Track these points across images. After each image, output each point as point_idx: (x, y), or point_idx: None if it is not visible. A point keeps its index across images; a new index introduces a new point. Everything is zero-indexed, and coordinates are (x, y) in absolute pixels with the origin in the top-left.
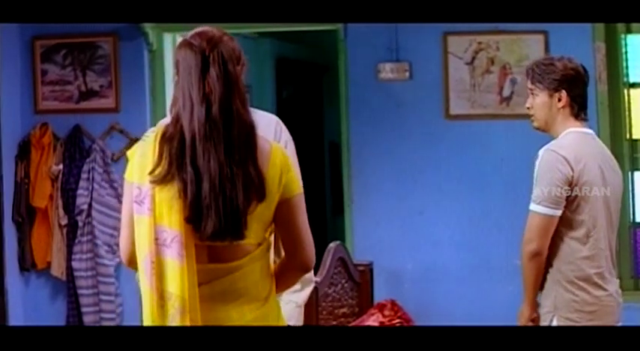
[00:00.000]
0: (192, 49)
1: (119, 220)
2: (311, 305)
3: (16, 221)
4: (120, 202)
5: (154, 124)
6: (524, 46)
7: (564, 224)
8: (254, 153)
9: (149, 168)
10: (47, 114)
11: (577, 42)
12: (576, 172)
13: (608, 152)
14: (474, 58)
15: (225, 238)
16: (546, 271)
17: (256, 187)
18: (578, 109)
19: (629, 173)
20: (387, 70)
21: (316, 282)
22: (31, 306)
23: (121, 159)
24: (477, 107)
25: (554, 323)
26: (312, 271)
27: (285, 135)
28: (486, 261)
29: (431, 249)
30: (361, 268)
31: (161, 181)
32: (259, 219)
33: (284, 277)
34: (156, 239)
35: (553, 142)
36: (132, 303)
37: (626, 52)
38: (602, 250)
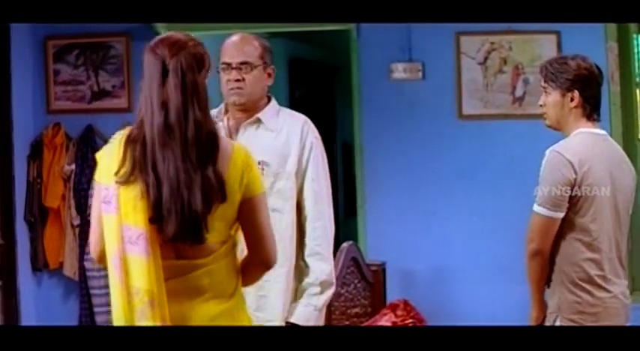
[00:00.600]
0: (154, 56)
1: None
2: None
3: (28, 221)
4: None
5: None
6: (536, 46)
7: (567, 225)
8: (214, 156)
9: (115, 169)
10: (59, 114)
11: (589, 42)
12: (579, 175)
13: (621, 153)
14: (486, 58)
15: (186, 241)
16: (551, 272)
17: (216, 190)
18: (591, 110)
19: None
20: (400, 70)
21: None
22: (43, 306)
23: None
24: (489, 107)
25: (557, 324)
26: (333, 275)
27: (312, 135)
28: (498, 261)
29: (444, 249)
30: (374, 268)
31: (125, 181)
32: (222, 218)
33: (248, 273)
34: (123, 237)
35: (560, 142)
36: None
37: (638, 52)
38: (607, 253)
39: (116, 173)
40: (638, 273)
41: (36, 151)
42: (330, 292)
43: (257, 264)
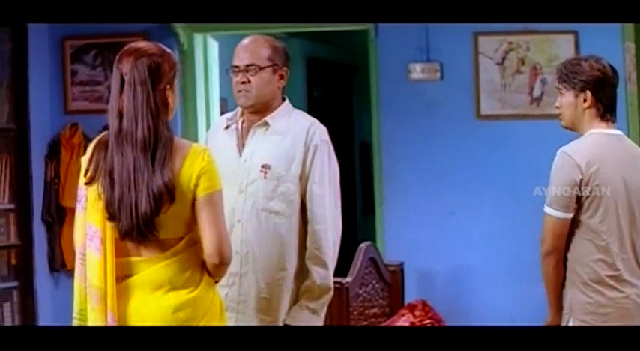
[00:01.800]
0: (116, 68)
1: None
2: (342, 306)
3: (45, 221)
4: None
5: (184, 124)
6: (554, 46)
7: (577, 226)
8: (164, 160)
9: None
10: (77, 114)
11: (607, 42)
12: (586, 176)
13: (637, 153)
14: (504, 59)
15: (137, 238)
16: (564, 272)
17: (163, 191)
18: (604, 110)
19: None
20: (418, 71)
21: (347, 282)
22: (60, 306)
23: None
24: (507, 107)
25: (570, 325)
26: (331, 279)
27: (318, 138)
28: (517, 261)
29: (462, 249)
30: (392, 268)
31: (90, 183)
32: (175, 217)
33: (207, 267)
34: (86, 234)
35: (570, 143)
36: None
37: None
38: (619, 253)
39: (84, 175)
40: None
41: (54, 152)
42: (327, 296)
43: (207, 259)
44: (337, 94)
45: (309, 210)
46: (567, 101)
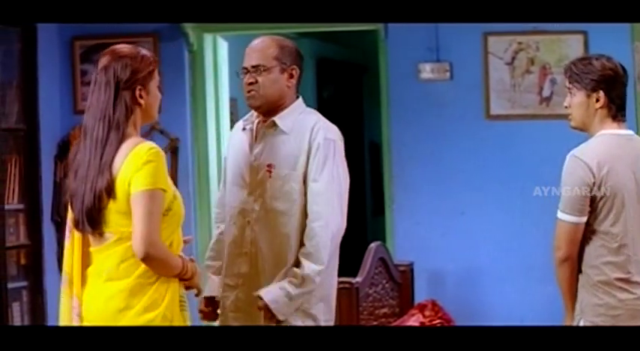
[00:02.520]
0: (93, 69)
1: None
2: (352, 306)
3: (55, 221)
4: None
5: (193, 124)
6: (563, 46)
7: (588, 228)
8: (111, 158)
9: None
10: None
11: (616, 42)
12: (598, 178)
13: None
14: (513, 58)
15: (85, 230)
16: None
17: (103, 187)
18: (616, 110)
19: None
20: (428, 71)
21: (357, 282)
22: None
23: None
24: (517, 107)
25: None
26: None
27: (322, 136)
28: (527, 261)
29: (472, 249)
30: (402, 268)
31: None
32: (117, 212)
33: None
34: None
35: (579, 146)
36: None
37: None
38: (632, 256)
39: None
40: None
41: (63, 152)
42: (309, 288)
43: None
44: (347, 94)
45: (307, 207)
46: (578, 101)
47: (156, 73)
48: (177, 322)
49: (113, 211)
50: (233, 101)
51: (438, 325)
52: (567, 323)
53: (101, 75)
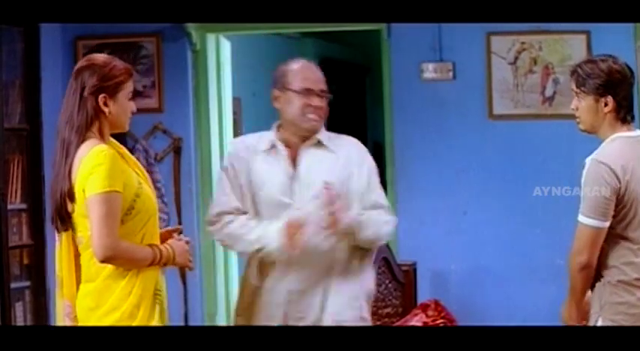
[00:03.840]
0: None
1: (162, 220)
2: None
3: None
4: (163, 202)
5: (197, 124)
6: (566, 45)
7: (612, 232)
8: (72, 163)
9: None
10: None
11: (619, 41)
12: (623, 182)
13: None
14: (516, 58)
15: (58, 230)
16: (595, 272)
17: (65, 191)
18: (625, 113)
19: None
20: (431, 70)
21: None
22: None
23: (164, 159)
24: (520, 107)
25: (599, 324)
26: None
27: (363, 151)
28: (530, 261)
29: (475, 249)
30: (405, 268)
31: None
32: (80, 215)
33: None
34: None
35: (598, 150)
36: (175, 302)
37: None
38: None
39: None
40: None
41: None
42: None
43: None
44: (350, 94)
45: (375, 218)
46: (587, 105)
47: (128, 85)
48: (144, 318)
49: (78, 215)
50: (236, 100)
51: (441, 325)
52: (572, 315)
53: (72, 81)
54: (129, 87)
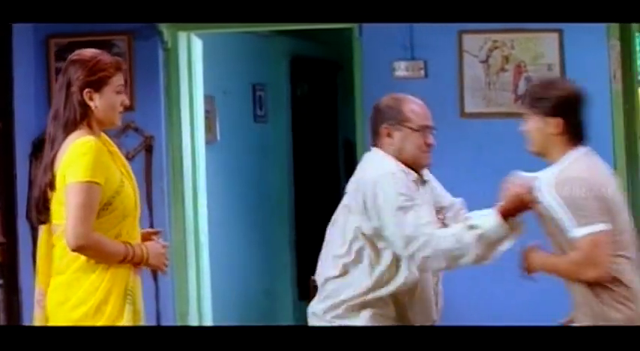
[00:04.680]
0: None
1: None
2: None
3: (30, 219)
4: None
5: (167, 122)
6: (539, 44)
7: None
8: (56, 154)
9: None
10: None
11: (591, 40)
12: (609, 192)
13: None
14: (488, 57)
15: (32, 219)
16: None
17: (46, 181)
18: (575, 135)
19: None
20: (402, 68)
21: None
22: None
23: (136, 157)
24: (492, 105)
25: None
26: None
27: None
28: (506, 260)
29: None
30: None
31: None
32: (59, 203)
33: None
34: None
35: (566, 166)
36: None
37: None
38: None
39: None
40: None
41: (38, 150)
42: (332, 302)
43: None
44: (321, 92)
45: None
46: (537, 127)
47: (115, 79)
48: (112, 316)
49: (55, 202)
50: (209, 98)
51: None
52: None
53: (60, 77)
54: (116, 81)
